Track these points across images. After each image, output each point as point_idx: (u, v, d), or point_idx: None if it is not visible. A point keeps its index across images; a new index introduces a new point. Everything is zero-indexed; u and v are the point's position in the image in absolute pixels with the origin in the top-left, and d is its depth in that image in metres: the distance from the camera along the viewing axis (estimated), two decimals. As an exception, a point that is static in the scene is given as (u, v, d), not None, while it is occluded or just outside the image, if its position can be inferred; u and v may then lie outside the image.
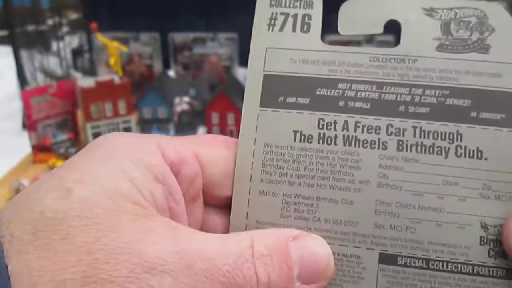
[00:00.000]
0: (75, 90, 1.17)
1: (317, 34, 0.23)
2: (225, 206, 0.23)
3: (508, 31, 0.22)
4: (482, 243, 0.21)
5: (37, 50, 1.81)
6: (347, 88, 0.23)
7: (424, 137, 0.22)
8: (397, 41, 0.23)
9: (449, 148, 0.22)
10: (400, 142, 0.22)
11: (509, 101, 0.22)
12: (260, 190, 0.22)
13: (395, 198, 0.22)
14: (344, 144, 0.22)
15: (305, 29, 0.23)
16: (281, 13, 0.24)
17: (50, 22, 1.84)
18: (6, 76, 2.23)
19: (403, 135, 0.22)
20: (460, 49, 0.22)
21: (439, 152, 0.22)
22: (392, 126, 0.22)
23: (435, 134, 0.22)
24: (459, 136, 0.22)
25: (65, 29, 1.87)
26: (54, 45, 1.84)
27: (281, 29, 0.24)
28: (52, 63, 1.83)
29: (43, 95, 1.14)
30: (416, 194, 0.22)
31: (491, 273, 0.21)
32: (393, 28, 0.23)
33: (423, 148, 0.22)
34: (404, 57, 0.23)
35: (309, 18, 0.23)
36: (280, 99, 0.23)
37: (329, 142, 0.22)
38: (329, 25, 0.25)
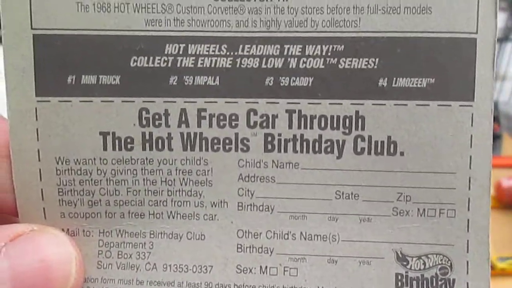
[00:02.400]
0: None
1: None
2: None
3: None
4: (399, 284, 0.14)
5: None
6: (180, 51, 0.14)
7: (306, 126, 0.14)
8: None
9: (344, 142, 0.14)
10: (269, 138, 0.14)
11: (445, 54, 0.13)
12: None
13: (266, 224, 0.14)
14: (184, 148, 0.14)
15: None
16: None
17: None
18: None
19: (273, 125, 0.14)
20: None
21: (329, 149, 0.14)
22: (255, 112, 0.14)
23: (322, 121, 0.14)
24: (359, 121, 0.14)
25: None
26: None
27: None
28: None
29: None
30: (296, 217, 0.14)
31: None
32: None
33: (305, 145, 0.14)
34: None
35: None
36: (69, 79, 0.14)
37: (159, 146, 0.14)
38: None
